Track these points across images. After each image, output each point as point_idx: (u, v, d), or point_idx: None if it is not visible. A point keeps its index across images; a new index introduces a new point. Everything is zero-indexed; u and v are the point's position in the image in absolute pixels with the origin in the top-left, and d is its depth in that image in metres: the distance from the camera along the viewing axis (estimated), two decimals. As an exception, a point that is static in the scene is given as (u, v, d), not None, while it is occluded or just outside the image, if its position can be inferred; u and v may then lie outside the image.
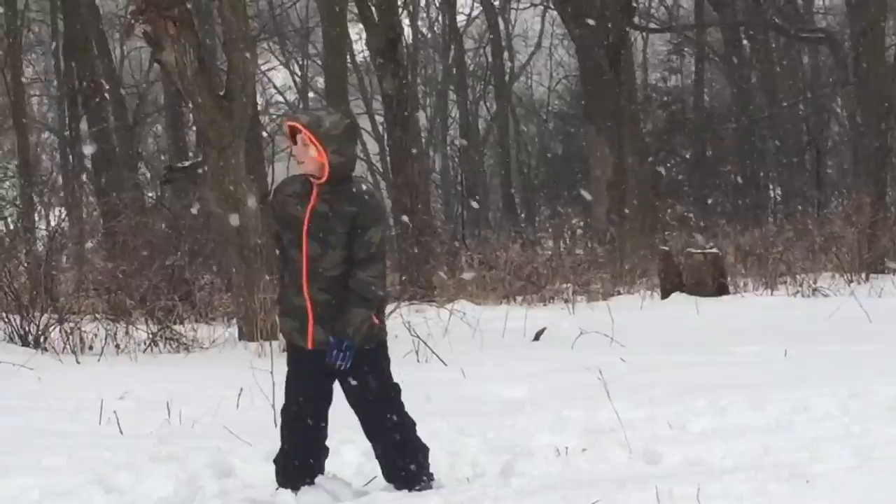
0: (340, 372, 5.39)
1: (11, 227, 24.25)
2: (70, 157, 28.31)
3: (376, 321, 5.40)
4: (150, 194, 24.49)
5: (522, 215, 35.95)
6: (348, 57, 29.77)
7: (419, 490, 5.49)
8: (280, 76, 40.54)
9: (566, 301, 16.02)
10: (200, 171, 11.68)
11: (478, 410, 7.60)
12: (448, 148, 41.00)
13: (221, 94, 11.56)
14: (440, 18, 39.24)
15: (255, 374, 7.81)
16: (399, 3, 23.26)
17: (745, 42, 33.44)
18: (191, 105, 12.00)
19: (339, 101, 18.92)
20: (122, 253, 13.91)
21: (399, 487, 5.52)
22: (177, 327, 11.64)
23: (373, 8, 18.36)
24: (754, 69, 33.66)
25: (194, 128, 25.35)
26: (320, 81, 34.83)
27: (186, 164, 12.86)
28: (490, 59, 37.74)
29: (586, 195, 24.25)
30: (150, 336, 11.17)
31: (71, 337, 10.68)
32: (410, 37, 35.39)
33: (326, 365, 5.31)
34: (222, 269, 13.80)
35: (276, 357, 8.01)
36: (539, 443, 6.39)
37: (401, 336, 10.31)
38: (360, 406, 5.47)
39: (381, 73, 18.74)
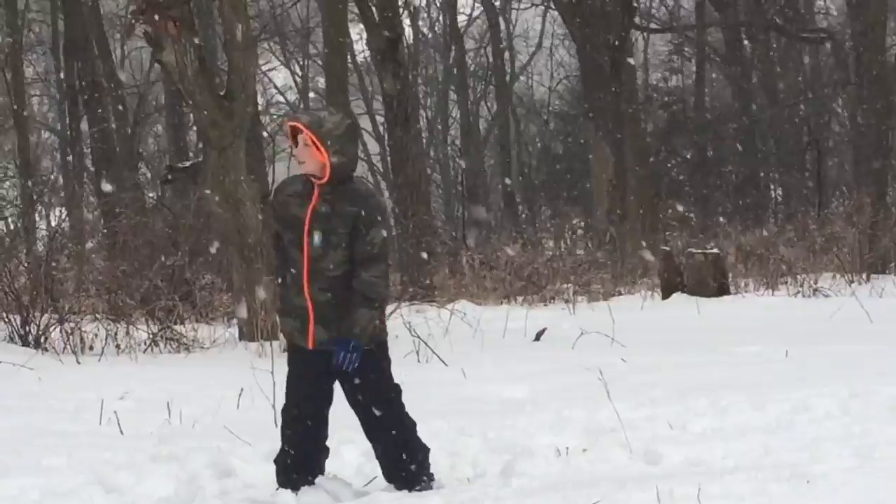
0: (341, 372, 5.39)
1: (12, 227, 24.24)
2: (70, 157, 28.33)
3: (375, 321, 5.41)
4: (150, 194, 24.49)
5: (523, 215, 35.95)
6: (349, 57, 29.75)
7: (419, 490, 5.49)
8: (281, 76, 40.59)
9: (567, 301, 16.01)
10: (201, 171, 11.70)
11: (478, 410, 7.60)
12: (449, 148, 41.00)
13: (222, 94, 11.55)
14: (441, 18, 39.26)
15: (255, 374, 7.81)
16: (400, 3, 23.26)
17: (745, 42, 33.44)
18: (191, 105, 12.00)
19: (340, 101, 18.91)
20: (122, 253, 13.90)
21: (399, 488, 5.52)
22: (177, 327, 11.64)
23: (373, 8, 18.35)
24: (755, 69, 33.65)
25: (195, 128, 25.35)
26: (321, 81, 34.82)
27: (187, 163, 12.86)
28: (491, 60, 37.74)
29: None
30: (151, 336, 11.17)
31: (71, 337, 10.67)
32: (411, 37, 35.40)
33: (334, 366, 5.30)
34: (223, 268, 13.80)
35: (277, 357, 8.01)
36: (539, 443, 6.38)
37: (401, 336, 10.31)
38: (361, 406, 5.47)
39: (381, 73, 18.73)
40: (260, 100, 31.78)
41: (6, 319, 10.98)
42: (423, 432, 5.63)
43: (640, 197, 24.30)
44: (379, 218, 5.36)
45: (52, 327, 10.89)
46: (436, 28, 40.17)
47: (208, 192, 11.69)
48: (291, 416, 5.49)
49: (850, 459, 5.64)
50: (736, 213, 30.91)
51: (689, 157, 35.44)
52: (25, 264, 12.53)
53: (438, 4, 38.78)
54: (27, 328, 10.86)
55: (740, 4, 31.86)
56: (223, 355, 10.76)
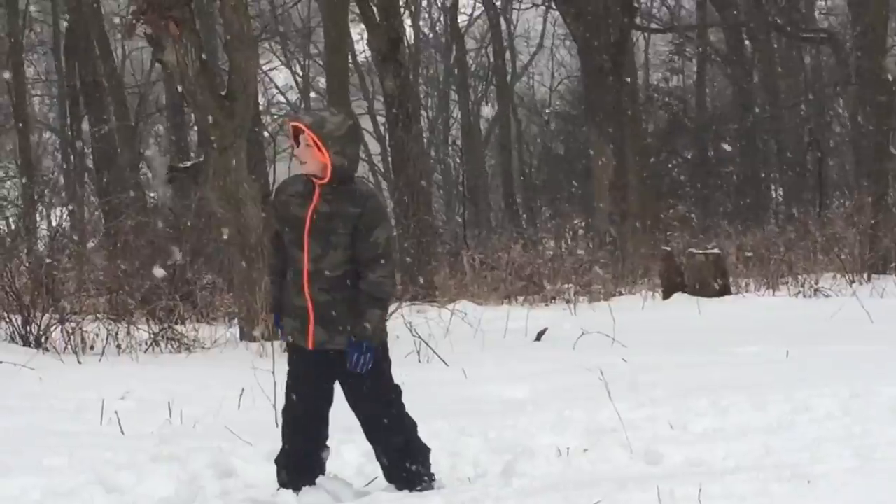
0: (341, 373, 5.39)
1: (13, 226, 24.24)
2: (71, 156, 28.34)
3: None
4: (151, 194, 24.51)
5: (524, 216, 35.95)
6: (350, 57, 29.77)
7: (420, 490, 5.49)
8: (282, 76, 40.57)
9: (567, 301, 16.02)
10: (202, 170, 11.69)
11: (479, 410, 7.60)
12: (450, 148, 41.00)
13: (223, 94, 11.55)
14: (442, 19, 39.26)
15: (256, 374, 7.82)
16: (401, 3, 23.26)
17: (746, 43, 33.43)
18: (192, 105, 11.99)
19: (341, 101, 18.92)
20: (123, 253, 13.91)
21: (400, 488, 5.52)
22: (178, 327, 11.63)
23: (374, 8, 18.36)
24: (756, 70, 33.65)
25: (196, 128, 25.35)
26: (322, 81, 34.83)
27: (188, 163, 12.86)
28: (492, 60, 37.75)
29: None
30: (152, 336, 11.17)
31: (72, 337, 10.67)
32: (412, 37, 35.42)
33: (347, 368, 5.30)
34: (224, 268, 13.81)
35: (278, 357, 8.02)
36: (540, 443, 6.38)
37: (402, 336, 10.31)
38: (361, 407, 5.47)
39: (382, 73, 18.74)
40: (261, 100, 31.80)
41: (7, 319, 10.98)
42: (423, 432, 5.63)
43: (640, 197, 24.31)
44: (381, 218, 5.35)
45: (53, 327, 10.89)
46: (437, 28, 40.19)
47: (210, 192, 11.69)
48: (292, 417, 5.49)
49: (851, 460, 5.64)
50: (737, 213, 30.90)
51: (689, 157, 35.44)
52: (26, 264, 12.53)
53: (439, 4, 38.80)
54: (28, 328, 10.86)
55: (741, 5, 31.85)
56: (224, 355, 10.76)
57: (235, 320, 12.14)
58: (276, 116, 36.59)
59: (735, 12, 31.88)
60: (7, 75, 24.16)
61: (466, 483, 5.79)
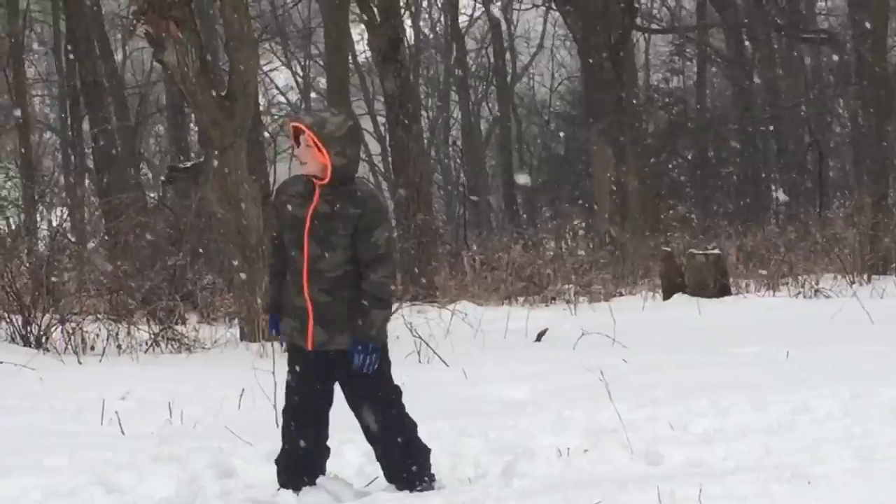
0: (341, 374, 5.40)
1: (13, 227, 24.24)
2: (72, 157, 28.34)
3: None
4: (151, 194, 24.50)
5: (524, 216, 35.95)
6: (350, 57, 29.77)
7: (421, 491, 5.49)
8: (282, 76, 40.55)
9: (568, 302, 16.02)
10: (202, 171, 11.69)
11: (479, 411, 7.60)
12: (450, 148, 41.00)
13: (223, 94, 11.55)
14: (442, 19, 39.24)
15: (256, 374, 7.82)
16: (401, 3, 23.27)
17: (747, 43, 33.44)
18: (192, 105, 11.99)
19: (342, 101, 18.92)
20: (123, 253, 13.90)
21: (401, 488, 5.52)
22: (178, 328, 11.63)
23: (375, 8, 18.35)
24: (756, 70, 33.65)
25: (196, 128, 25.35)
26: (322, 82, 34.83)
27: (188, 164, 12.86)
28: (492, 60, 37.75)
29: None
30: (152, 336, 11.16)
31: (72, 337, 10.66)
32: (412, 37, 35.42)
33: (353, 369, 5.31)
34: (224, 269, 13.80)
35: (278, 357, 8.01)
36: (541, 443, 6.38)
37: (403, 337, 10.30)
38: (361, 408, 5.47)
39: (383, 73, 18.72)
40: (261, 100, 31.81)
41: (8, 320, 10.97)
42: (424, 433, 5.63)
43: (641, 198, 24.31)
44: (381, 219, 5.36)
45: (54, 327, 10.88)
46: (437, 29, 40.17)
47: (210, 192, 11.69)
48: (292, 417, 5.49)
49: (851, 461, 5.64)
50: (737, 213, 30.91)
51: (690, 157, 35.44)
52: (27, 264, 12.52)
53: (440, 5, 38.79)
54: (28, 328, 10.85)
55: (741, 5, 31.86)
56: (224, 355, 10.76)
57: (236, 320, 12.14)
58: (276, 117, 36.58)
59: (735, 13, 31.87)
60: (8, 75, 24.19)
61: (467, 483, 5.80)
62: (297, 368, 5.50)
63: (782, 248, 18.91)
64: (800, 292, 15.70)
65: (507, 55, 38.07)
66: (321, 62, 34.61)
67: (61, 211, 26.36)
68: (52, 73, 33.24)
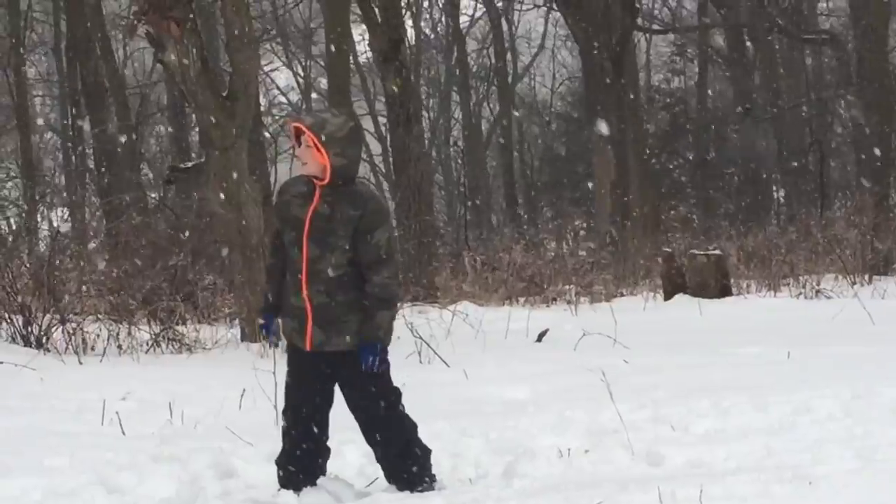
0: (340, 375, 5.39)
1: (14, 227, 24.25)
2: (73, 157, 28.34)
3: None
4: (152, 195, 24.50)
5: (525, 216, 35.96)
6: (351, 58, 29.77)
7: (421, 491, 5.48)
8: (283, 77, 40.58)
9: (569, 302, 16.01)
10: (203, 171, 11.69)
11: (480, 411, 7.60)
12: (451, 149, 41.00)
13: (224, 94, 11.55)
14: (443, 20, 39.26)
15: (257, 374, 7.81)
16: (402, 4, 23.27)
17: (748, 44, 33.44)
18: (193, 105, 11.99)
19: (342, 101, 18.92)
20: (124, 253, 13.90)
21: (401, 489, 5.52)
22: (179, 328, 11.63)
23: (376, 9, 18.36)
24: (757, 71, 33.65)
25: (197, 128, 25.36)
26: (323, 82, 34.86)
27: (189, 164, 12.86)
28: (493, 61, 37.77)
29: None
30: (153, 337, 11.16)
31: (73, 337, 10.66)
32: (413, 38, 35.43)
33: (362, 369, 5.30)
34: (225, 269, 13.80)
35: (279, 358, 7.99)
36: (541, 444, 6.38)
37: (403, 337, 10.29)
38: (361, 410, 5.47)
39: (384, 73, 18.72)
40: (262, 100, 31.81)
41: (8, 320, 10.97)
42: (424, 433, 5.62)
43: (642, 198, 24.31)
44: (381, 220, 5.35)
45: (54, 328, 10.88)
46: (438, 29, 40.20)
47: (211, 193, 11.68)
48: (292, 418, 5.49)
49: (853, 461, 5.64)
50: (738, 214, 30.91)
51: (691, 158, 35.44)
52: (27, 265, 12.52)
53: (441, 5, 38.80)
54: (29, 329, 10.85)
55: (743, 6, 31.86)
56: (225, 356, 10.76)
57: (236, 321, 12.14)
58: (277, 117, 36.61)
59: (737, 13, 31.88)
60: (9, 75, 24.20)
61: (467, 484, 5.79)
62: (297, 369, 5.49)
63: (783, 248, 18.89)
64: (801, 293, 15.69)
65: (508, 55, 38.08)
66: (322, 62, 34.59)
67: (62, 211, 26.38)
68: (53, 73, 33.23)
